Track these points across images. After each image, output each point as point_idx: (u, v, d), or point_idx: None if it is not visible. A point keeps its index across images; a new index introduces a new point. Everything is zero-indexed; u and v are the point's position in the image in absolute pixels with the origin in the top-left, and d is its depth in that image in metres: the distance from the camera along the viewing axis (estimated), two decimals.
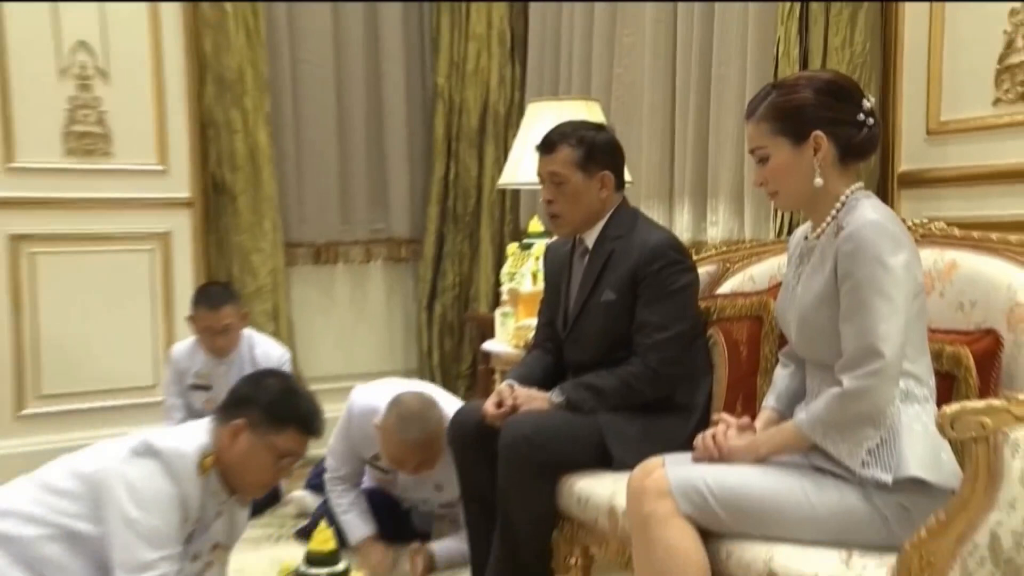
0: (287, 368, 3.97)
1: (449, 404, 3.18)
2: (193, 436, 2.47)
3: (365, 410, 3.29)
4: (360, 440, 3.31)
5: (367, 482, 3.52)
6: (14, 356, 4.27)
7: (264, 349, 4.06)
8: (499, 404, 2.67)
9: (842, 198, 2.07)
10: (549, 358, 2.93)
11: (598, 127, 2.92)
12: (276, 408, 2.48)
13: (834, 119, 2.04)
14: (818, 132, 2.03)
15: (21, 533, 2.32)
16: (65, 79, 4.30)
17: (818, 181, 2.04)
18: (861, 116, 2.05)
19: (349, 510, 3.34)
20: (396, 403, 3.13)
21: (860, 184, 2.11)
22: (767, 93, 2.12)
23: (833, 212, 2.07)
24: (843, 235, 1.99)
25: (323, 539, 2.39)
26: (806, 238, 2.18)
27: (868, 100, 2.08)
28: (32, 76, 4.22)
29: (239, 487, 2.53)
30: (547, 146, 2.79)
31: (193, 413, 3.86)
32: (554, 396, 2.67)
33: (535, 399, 2.68)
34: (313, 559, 2.37)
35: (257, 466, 2.49)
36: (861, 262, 1.94)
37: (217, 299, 3.94)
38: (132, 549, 2.29)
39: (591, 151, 2.75)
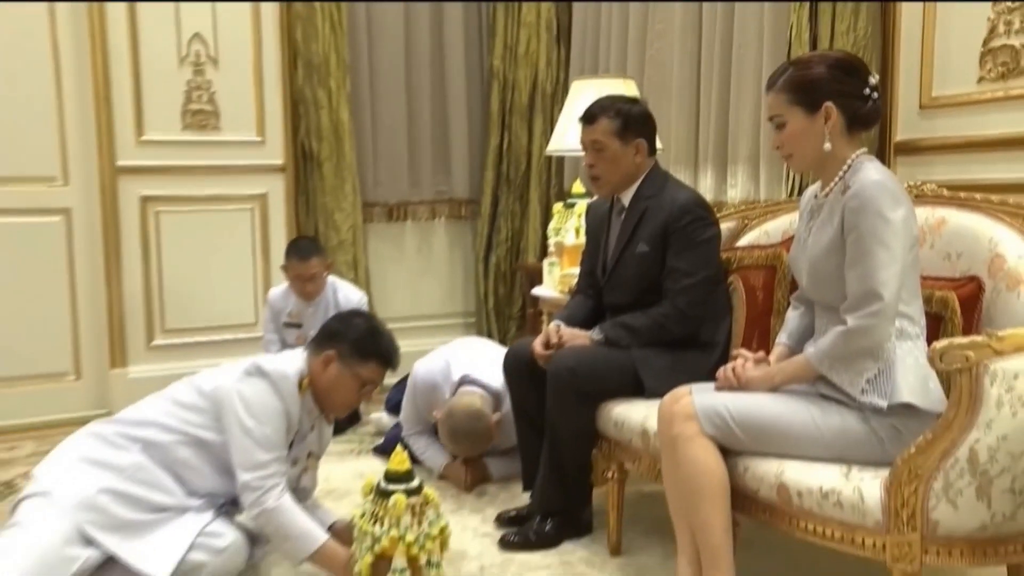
0: (365, 309, 4.00)
1: (495, 372, 3.09)
2: (292, 362, 2.52)
3: (427, 385, 3.29)
4: (424, 409, 3.31)
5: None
6: (145, 297, 4.35)
7: (345, 293, 4.07)
8: (547, 344, 2.68)
9: (849, 161, 2.04)
10: (590, 302, 2.92)
11: (633, 101, 2.88)
12: (362, 344, 2.52)
13: (843, 92, 2.02)
14: (829, 103, 2.01)
15: (159, 439, 2.40)
16: (184, 66, 4.34)
17: (827, 146, 2.02)
18: (867, 91, 2.03)
19: (426, 449, 3.34)
20: (449, 416, 3.10)
21: (864, 149, 2.09)
22: (785, 68, 2.10)
23: (840, 173, 2.05)
24: (849, 193, 1.97)
25: (399, 460, 2.37)
26: (815, 196, 2.16)
27: (874, 77, 2.05)
28: (158, 64, 4.27)
29: (327, 407, 2.58)
30: (589, 117, 2.77)
31: (286, 347, 3.89)
32: (594, 334, 2.67)
33: (578, 337, 2.68)
34: (391, 477, 2.36)
35: (343, 390, 2.54)
36: (865, 216, 1.93)
37: (306, 251, 3.96)
38: (249, 452, 2.36)
39: (627, 121, 2.73)
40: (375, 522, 2.31)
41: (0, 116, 4.02)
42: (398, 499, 2.30)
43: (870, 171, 1.99)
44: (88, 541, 2.20)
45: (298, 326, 4.03)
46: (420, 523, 2.31)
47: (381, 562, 2.27)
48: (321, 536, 2.38)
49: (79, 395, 4.24)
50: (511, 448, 3.09)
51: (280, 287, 4.15)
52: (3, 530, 2.25)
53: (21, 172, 4.10)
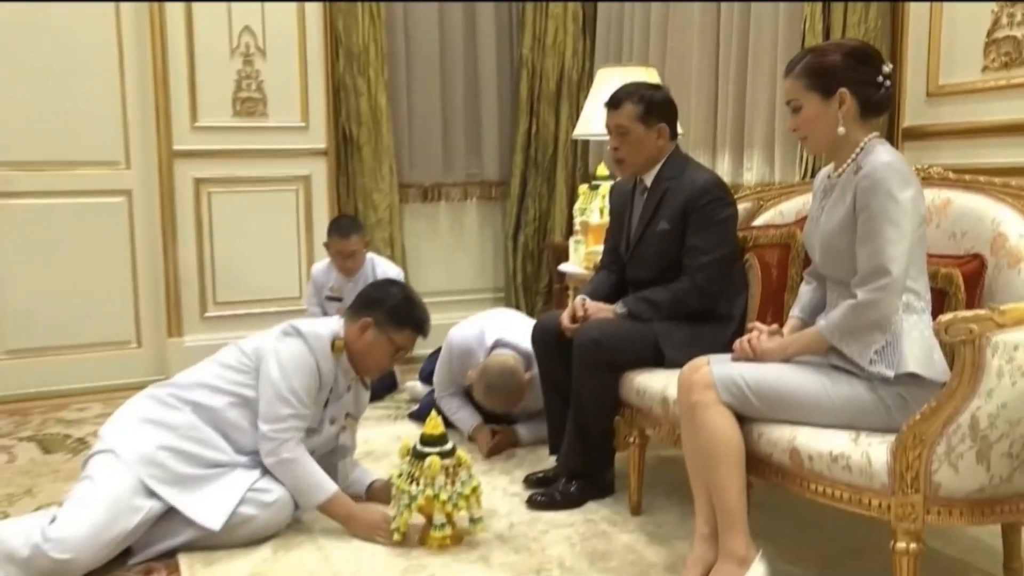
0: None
1: (526, 337, 3.05)
2: (327, 325, 2.58)
3: (462, 349, 3.29)
4: (458, 373, 3.31)
5: None
6: (198, 272, 4.40)
7: (383, 268, 4.08)
8: (573, 318, 2.68)
9: (861, 144, 2.03)
10: (614, 277, 2.91)
11: (656, 87, 2.86)
12: (397, 312, 2.55)
13: (858, 79, 2.00)
14: (843, 89, 2.00)
15: (208, 400, 2.46)
16: (234, 57, 4.37)
17: (841, 130, 2.01)
18: (880, 78, 2.01)
19: (458, 411, 3.35)
20: (484, 373, 3.09)
21: (877, 133, 2.07)
22: (804, 55, 2.09)
23: (853, 155, 2.04)
24: (861, 174, 1.96)
25: (433, 425, 2.40)
26: (828, 177, 2.15)
27: (887, 66, 2.03)
28: (211, 56, 4.31)
29: (362, 369, 2.62)
30: (614, 103, 2.75)
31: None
32: (618, 308, 2.67)
33: (603, 310, 2.68)
34: (426, 440, 2.39)
35: (378, 354, 2.57)
36: (876, 196, 1.92)
37: (346, 229, 3.98)
38: (272, 405, 2.42)
39: (650, 107, 2.71)
40: (412, 482, 2.36)
41: (71, 108, 4.10)
42: (433, 461, 2.34)
43: (881, 153, 1.98)
44: (151, 493, 2.27)
45: (339, 299, 4.04)
46: (453, 483, 2.36)
47: (424, 519, 2.34)
48: (331, 487, 2.45)
49: (140, 362, 4.32)
50: (539, 413, 3.10)
51: (322, 263, 4.17)
52: (77, 482, 2.33)
53: (89, 157, 4.18)
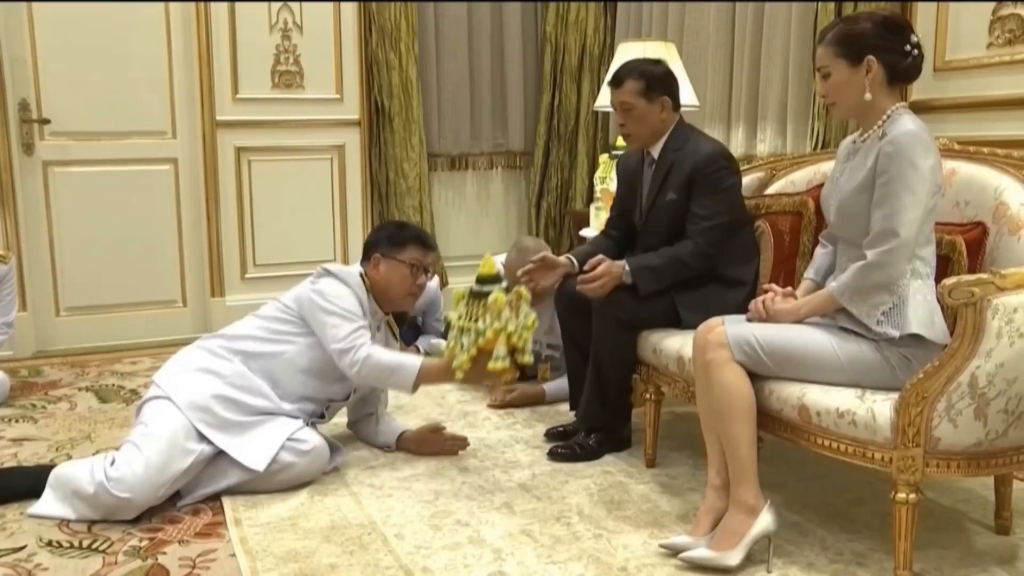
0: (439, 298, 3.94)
1: None
2: (351, 267, 2.68)
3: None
4: None
5: None
6: (239, 236, 4.45)
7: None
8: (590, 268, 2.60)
9: (889, 111, 2.00)
10: (609, 241, 2.89)
11: (656, 62, 2.79)
12: (394, 236, 2.67)
13: (885, 47, 1.97)
14: (871, 57, 1.97)
15: (255, 349, 2.53)
16: (274, 32, 4.37)
17: (868, 96, 1.99)
18: (908, 47, 1.98)
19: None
20: (518, 243, 3.34)
21: (904, 104, 2.04)
22: (836, 23, 2.06)
23: (880, 122, 2.01)
24: (886, 139, 1.94)
25: (488, 265, 2.39)
26: (853, 142, 2.12)
27: (915, 36, 1.99)
28: (252, 31, 4.31)
29: (390, 302, 2.68)
30: (616, 81, 2.72)
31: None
32: (626, 278, 2.58)
33: (614, 267, 2.58)
34: (482, 280, 2.37)
35: (397, 279, 2.65)
36: (897, 161, 1.90)
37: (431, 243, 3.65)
38: (336, 327, 2.48)
39: (651, 82, 2.66)
40: (475, 321, 2.33)
41: (122, 82, 4.14)
42: (498, 296, 2.32)
43: (907, 122, 1.96)
44: (201, 437, 2.32)
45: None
46: (517, 315, 2.34)
47: (480, 357, 2.32)
48: (417, 359, 2.49)
49: (185, 320, 4.39)
50: (560, 371, 3.13)
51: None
52: (133, 428, 2.39)
53: (138, 128, 4.21)
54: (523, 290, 2.40)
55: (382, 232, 2.73)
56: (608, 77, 2.77)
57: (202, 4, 4.20)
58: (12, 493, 2.33)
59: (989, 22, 2.93)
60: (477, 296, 2.35)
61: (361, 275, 2.63)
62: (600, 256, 2.65)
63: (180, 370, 2.47)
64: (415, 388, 2.49)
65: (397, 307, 2.75)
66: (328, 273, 2.58)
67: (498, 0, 4.89)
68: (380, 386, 2.66)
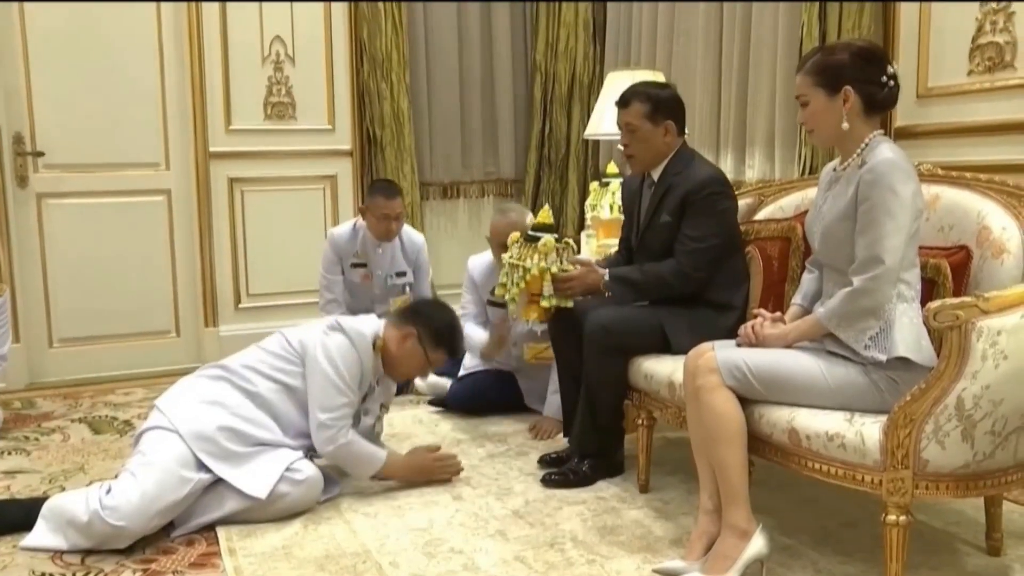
0: (425, 251, 4.01)
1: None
2: (368, 324, 2.64)
3: (482, 268, 3.54)
4: (481, 286, 3.53)
5: (482, 365, 3.56)
6: (232, 266, 4.46)
7: (410, 236, 3.97)
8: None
9: (866, 140, 2.03)
10: (623, 260, 2.90)
11: (663, 86, 2.85)
12: (440, 335, 2.69)
13: (862, 78, 2.00)
14: (848, 87, 2.00)
15: (256, 384, 2.53)
16: (266, 64, 4.43)
17: (844, 125, 2.02)
18: (884, 78, 2.01)
19: (472, 331, 3.50)
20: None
21: (882, 131, 2.07)
22: (815, 53, 2.09)
23: (858, 151, 2.04)
24: (866, 167, 1.97)
25: (545, 214, 2.67)
26: (834, 170, 2.15)
27: (892, 66, 2.02)
28: (244, 63, 4.37)
29: (394, 372, 2.73)
30: (623, 101, 2.75)
31: (348, 285, 3.86)
32: (603, 286, 2.67)
33: (590, 275, 2.68)
34: (538, 227, 2.67)
35: (412, 363, 2.70)
36: (877, 189, 1.92)
37: (392, 191, 3.78)
38: (328, 395, 2.50)
39: (657, 105, 2.69)
40: (523, 260, 2.65)
41: (115, 115, 4.18)
42: (548, 240, 2.66)
43: (885, 150, 1.99)
44: (199, 466, 2.32)
45: (364, 265, 3.87)
46: (561, 261, 2.68)
47: (527, 294, 2.68)
48: (383, 454, 2.62)
49: (178, 350, 4.39)
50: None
51: (344, 229, 3.92)
52: (131, 456, 2.40)
53: (132, 159, 4.25)
54: (570, 241, 2.75)
55: (436, 319, 2.69)
56: (616, 97, 2.81)
57: (195, 36, 4.25)
58: (5, 525, 2.32)
59: (969, 50, 2.99)
60: (530, 240, 2.65)
61: (375, 339, 2.62)
62: (587, 259, 2.77)
63: (185, 400, 2.47)
64: (374, 477, 2.65)
65: (398, 379, 2.84)
66: (341, 329, 2.58)
67: (487, 0, 4.93)
68: (342, 467, 2.66)
